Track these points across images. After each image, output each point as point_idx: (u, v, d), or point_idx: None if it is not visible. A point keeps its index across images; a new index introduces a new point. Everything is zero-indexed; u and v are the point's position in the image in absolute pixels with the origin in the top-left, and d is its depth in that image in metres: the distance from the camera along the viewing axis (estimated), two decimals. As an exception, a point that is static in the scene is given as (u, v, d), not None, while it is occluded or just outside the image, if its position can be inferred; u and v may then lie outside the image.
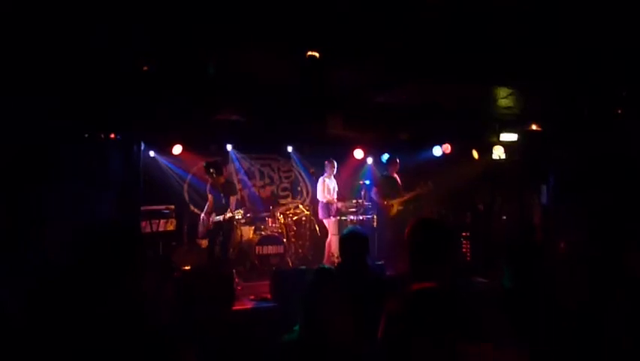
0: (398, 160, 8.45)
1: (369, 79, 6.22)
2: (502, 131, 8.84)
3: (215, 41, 4.75)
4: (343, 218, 8.28)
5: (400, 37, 4.62)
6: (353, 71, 5.90)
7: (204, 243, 7.71)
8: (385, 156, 9.51)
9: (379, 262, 6.81)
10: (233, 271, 7.36)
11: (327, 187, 8.33)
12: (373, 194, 8.41)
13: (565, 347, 2.75)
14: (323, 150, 9.08)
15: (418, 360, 1.87)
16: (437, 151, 9.48)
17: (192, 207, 9.11)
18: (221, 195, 7.43)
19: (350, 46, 4.84)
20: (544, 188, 8.56)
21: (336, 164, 8.43)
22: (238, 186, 9.69)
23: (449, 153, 9.37)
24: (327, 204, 8.26)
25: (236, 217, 7.39)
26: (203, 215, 7.59)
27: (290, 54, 5.02)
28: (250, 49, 4.99)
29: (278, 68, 5.81)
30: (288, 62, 5.44)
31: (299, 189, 9.99)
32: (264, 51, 5.07)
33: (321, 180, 8.38)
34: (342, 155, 9.37)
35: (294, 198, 9.92)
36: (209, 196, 7.59)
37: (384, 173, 8.60)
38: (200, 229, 7.64)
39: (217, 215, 7.35)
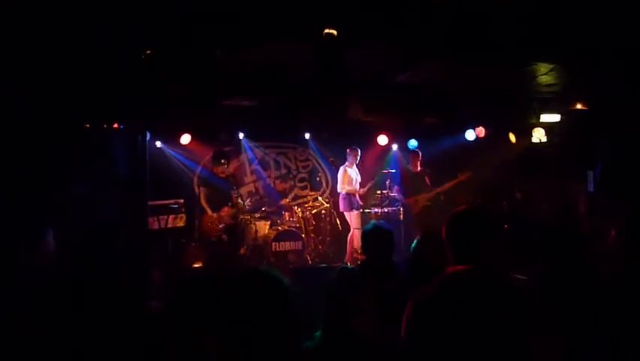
0: (420, 153, 8.37)
1: (390, 59, 6.17)
2: (542, 112, 8.70)
3: (226, 27, 4.78)
4: (367, 211, 8.26)
5: (421, 11, 4.58)
6: (373, 51, 5.85)
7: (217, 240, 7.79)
8: (413, 142, 9.44)
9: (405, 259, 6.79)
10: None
11: (348, 177, 8.30)
12: (396, 191, 8.38)
13: (609, 337, 2.73)
14: (344, 137, 9.03)
15: (448, 351, 1.89)
16: (470, 135, 9.37)
17: (203, 201, 9.18)
18: (234, 187, 7.52)
19: (370, 22, 4.81)
20: (590, 174, 8.40)
21: (359, 152, 8.41)
22: (252, 178, 9.76)
23: (483, 137, 9.25)
24: (349, 196, 8.24)
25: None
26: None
27: (306, 34, 5.01)
28: (264, 34, 5.01)
29: (293, 48, 5.81)
30: (303, 43, 5.43)
31: (318, 179, 9.97)
32: (278, 34, 5.07)
33: (341, 169, 8.36)
34: (365, 141, 9.31)
35: (312, 189, 9.91)
36: (202, 190, 7.67)
37: (406, 168, 8.55)
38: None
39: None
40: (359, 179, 8.51)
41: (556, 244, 2.97)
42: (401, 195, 8.31)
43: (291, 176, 9.88)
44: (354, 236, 8.04)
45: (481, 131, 9.20)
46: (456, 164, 8.55)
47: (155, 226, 7.66)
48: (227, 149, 8.64)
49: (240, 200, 7.77)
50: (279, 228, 8.41)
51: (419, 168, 8.36)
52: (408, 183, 8.31)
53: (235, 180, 7.72)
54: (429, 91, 7.74)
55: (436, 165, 8.66)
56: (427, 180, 8.26)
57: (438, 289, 2.05)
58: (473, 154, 8.97)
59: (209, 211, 7.49)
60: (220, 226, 7.50)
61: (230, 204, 7.57)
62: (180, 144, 8.82)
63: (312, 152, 10.04)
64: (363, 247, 3.52)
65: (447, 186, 8.16)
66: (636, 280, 3.16)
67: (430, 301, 2.02)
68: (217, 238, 7.51)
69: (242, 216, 8.22)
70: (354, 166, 8.43)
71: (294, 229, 8.33)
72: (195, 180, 9.29)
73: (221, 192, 7.61)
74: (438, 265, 2.62)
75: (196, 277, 6.88)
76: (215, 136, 9.11)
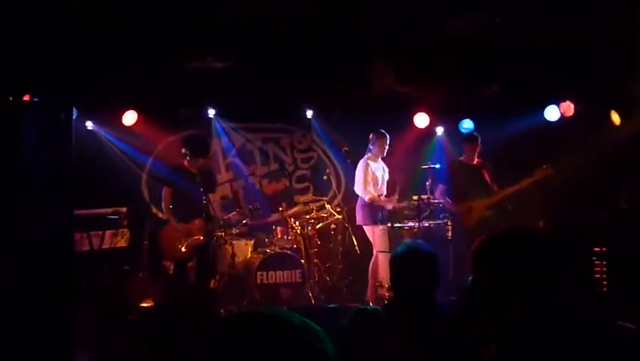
0: (479, 138, 8.33)
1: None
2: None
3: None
4: (397, 225, 8.19)
5: None
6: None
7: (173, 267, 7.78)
8: (467, 124, 9.39)
9: (455, 298, 6.71)
10: (222, 311, 7.41)
11: (372, 175, 8.23)
12: (439, 193, 8.31)
13: None
14: (364, 116, 9.01)
15: None
16: (552, 114, 9.34)
17: (155, 210, 9.18)
18: (200, 189, 7.48)
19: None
20: None
21: (388, 138, 8.38)
22: (228, 176, 9.73)
23: (572, 117, 9.20)
24: (372, 203, 8.22)
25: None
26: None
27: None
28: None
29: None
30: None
31: (325, 178, 9.88)
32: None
33: (362, 164, 8.30)
34: (396, 123, 9.28)
35: (317, 193, 9.90)
36: (167, 190, 7.63)
37: (456, 160, 8.48)
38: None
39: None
40: (388, 178, 8.48)
41: None
42: (448, 200, 8.23)
43: (285, 173, 9.86)
44: (380, 263, 7.98)
45: (568, 107, 9.16)
46: (530, 157, 8.47)
47: (85, 247, 7.66)
48: (189, 133, 8.64)
49: (211, 208, 7.75)
50: (268, 250, 8.40)
51: (476, 160, 8.29)
52: (459, 181, 8.23)
53: (204, 180, 7.69)
54: (491, 46, 7.68)
55: (500, 159, 8.60)
56: (487, 177, 8.20)
57: (508, 345, 2.05)
58: (556, 142, 8.91)
59: (175, 222, 7.49)
60: (188, 246, 7.49)
61: (204, 215, 7.54)
62: (122, 126, 8.84)
63: (316, 138, 10.06)
64: (392, 278, 3.49)
65: (517, 187, 8.07)
66: None
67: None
68: (181, 263, 7.52)
69: (216, 233, 8.20)
70: (381, 159, 8.40)
71: (289, 252, 8.31)
72: (144, 178, 9.28)
73: (192, 196, 7.59)
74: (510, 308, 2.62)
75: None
76: (174, 114, 9.14)
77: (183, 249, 7.50)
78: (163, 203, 7.68)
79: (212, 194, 7.91)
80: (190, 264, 7.68)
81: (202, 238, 7.57)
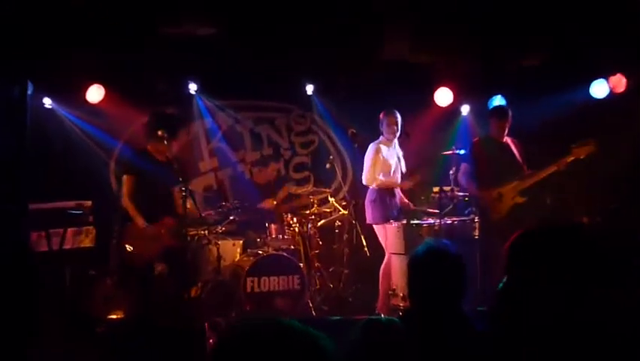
0: (509, 112, 8.26)
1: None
2: None
3: None
4: (414, 223, 8.18)
5: None
6: None
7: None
8: (497, 101, 9.33)
9: (484, 308, 6.70)
10: (206, 324, 7.40)
11: (382, 162, 8.24)
12: (462, 174, 8.24)
13: None
14: (374, 92, 9.04)
15: None
16: (599, 89, 9.33)
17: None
18: (179, 178, 7.45)
19: None
20: None
21: (397, 117, 8.35)
22: (212, 164, 9.70)
23: (623, 93, 9.18)
24: (383, 196, 8.20)
25: None
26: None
27: None
28: None
29: None
30: None
31: (328, 167, 9.88)
32: None
33: (372, 148, 8.29)
34: (413, 100, 9.29)
35: (318, 184, 9.87)
36: (128, 179, 7.52)
37: (483, 138, 8.44)
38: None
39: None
40: (402, 167, 8.47)
41: None
42: (472, 184, 8.16)
43: (281, 160, 9.84)
44: (393, 267, 7.98)
45: (619, 82, 9.12)
46: (573, 141, 8.45)
47: (43, 247, 7.67)
48: (169, 111, 8.60)
49: (190, 202, 7.71)
50: (260, 252, 8.38)
51: (505, 138, 8.23)
52: (486, 160, 8.15)
53: (182, 168, 7.65)
54: (527, 8, 7.63)
55: (537, 143, 8.57)
56: (517, 156, 8.14)
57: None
58: (604, 123, 8.87)
59: (140, 220, 7.41)
60: (155, 249, 7.46)
61: (174, 211, 7.50)
62: (87, 103, 8.83)
63: (318, 118, 10.09)
64: (410, 285, 3.47)
65: (554, 168, 8.00)
66: None
67: None
68: (148, 269, 7.48)
69: (195, 232, 8.18)
70: (395, 144, 8.39)
71: (285, 254, 8.30)
72: (112, 165, 9.25)
73: (161, 188, 7.55)
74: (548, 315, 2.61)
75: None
76: (148, 89, 9.11)
77: (150, 254, 7.38)
78: (122, 195, 7.49)
79: (189, 185, 7.83)
80: (162, 270, 7.64)
81: (175, 239, 7.51)
